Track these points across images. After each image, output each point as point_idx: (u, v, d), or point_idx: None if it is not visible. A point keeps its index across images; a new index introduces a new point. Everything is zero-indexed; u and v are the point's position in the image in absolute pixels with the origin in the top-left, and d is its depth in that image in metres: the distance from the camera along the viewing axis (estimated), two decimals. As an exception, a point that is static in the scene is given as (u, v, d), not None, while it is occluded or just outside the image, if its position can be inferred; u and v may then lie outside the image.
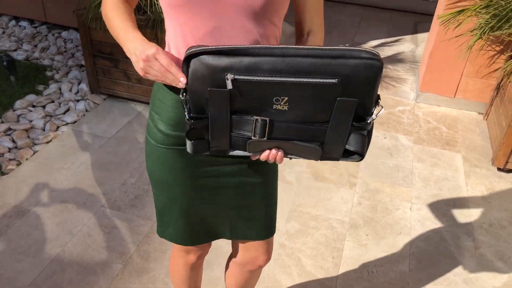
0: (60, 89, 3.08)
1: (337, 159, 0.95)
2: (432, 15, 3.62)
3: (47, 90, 3.05)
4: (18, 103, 2.86)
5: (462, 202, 2.33)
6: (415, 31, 4.33)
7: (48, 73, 3.26)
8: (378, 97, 0.89)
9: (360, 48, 0.82)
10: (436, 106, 3.16)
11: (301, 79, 0.83)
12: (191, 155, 1.05)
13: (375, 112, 0.90)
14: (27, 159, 2.46)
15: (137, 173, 2.38)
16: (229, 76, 0.83)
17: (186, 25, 0.92)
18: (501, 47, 2.84)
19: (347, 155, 0.95)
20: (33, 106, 2.88)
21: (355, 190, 2.37)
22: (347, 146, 0.92)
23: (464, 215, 2.25)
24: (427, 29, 4.20)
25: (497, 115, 2.71)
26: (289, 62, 0.82)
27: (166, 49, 1.02)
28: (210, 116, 0.89)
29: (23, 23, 3.99)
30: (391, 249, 2.04)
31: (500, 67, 2.90)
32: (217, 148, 0.94)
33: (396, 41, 4.10)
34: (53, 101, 2.95)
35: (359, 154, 0.93)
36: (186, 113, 0.89)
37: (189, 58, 0.84)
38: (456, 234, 2.13)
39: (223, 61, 0.83)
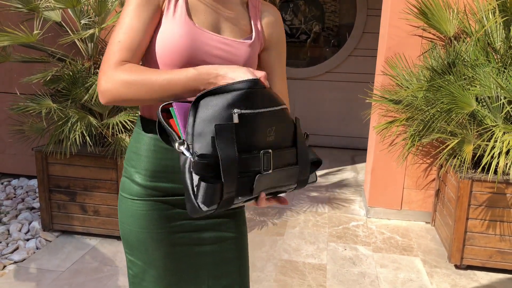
0: (8, 230, 2.94)
1: (307, 180, 1.05)
2: (365, 149, 4.06)
3: (-6, 231, 2.90)
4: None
5: (431, 300, 2.33)
6: (353, 162, 4.74)
7: (-4, 217, 3.13)
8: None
9: None
10: (387, 220, 3.32)
11: (279, 107, 0.98)
12: (166, 207, 1.07)
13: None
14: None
15: (95, 303, 2.19)
16: (236, 111, 0.90)
17: None
18: (431, 159, 3.19)
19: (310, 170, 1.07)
20: (-22, 247, 2.70)
21: (326, 298, 2.31)
22: (310, 158, 1.05)
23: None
24: (364, 160, 4.62)
25: (442, 217, 2.91)
26: (268, 95, 0.96)
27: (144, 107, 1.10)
28: (220, 154, 0.87)
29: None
30: None
31: (435, 178, 3.21)
32: (228, 195, 0.90)
33: (338, 170, 4.44)
34: (0, 242, 2.79)
35: (318, 162, 1.07)
36: (190, 156, 0.87)
37: (196, 101, 0.90)
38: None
39: (226, 97, 0.90)
